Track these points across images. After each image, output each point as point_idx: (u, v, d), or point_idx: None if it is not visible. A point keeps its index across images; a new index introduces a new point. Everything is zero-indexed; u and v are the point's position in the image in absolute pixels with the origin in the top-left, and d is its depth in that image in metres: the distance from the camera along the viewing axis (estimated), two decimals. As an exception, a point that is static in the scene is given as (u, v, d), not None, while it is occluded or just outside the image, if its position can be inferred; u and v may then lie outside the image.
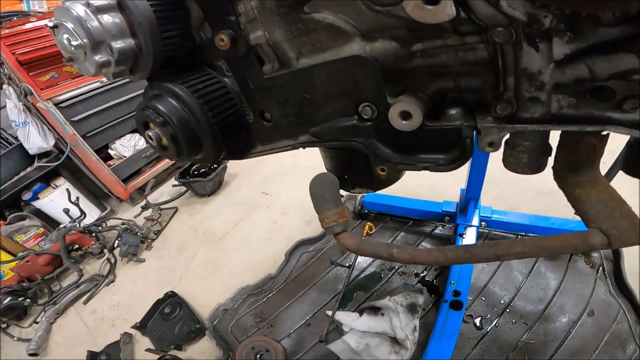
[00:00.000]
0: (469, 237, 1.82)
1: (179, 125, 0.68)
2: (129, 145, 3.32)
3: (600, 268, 1.71)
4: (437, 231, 2.12)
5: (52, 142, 2.88)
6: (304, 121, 0.71)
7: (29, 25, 2.61)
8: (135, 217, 3.14)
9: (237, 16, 0.62)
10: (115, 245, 2.81)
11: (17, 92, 2.63)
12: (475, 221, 1.88)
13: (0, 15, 2.60)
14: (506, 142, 0.60)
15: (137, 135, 3.38)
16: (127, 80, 0.78)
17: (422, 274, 1.91)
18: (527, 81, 0.48)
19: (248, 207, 2.93)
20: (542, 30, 0.44)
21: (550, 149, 0.61)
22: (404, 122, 0.58)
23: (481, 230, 1.95)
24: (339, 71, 0.60)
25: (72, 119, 2.86)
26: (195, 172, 3.33)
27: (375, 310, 1.69)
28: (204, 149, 0.74)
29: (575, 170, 0.61)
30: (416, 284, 1.86)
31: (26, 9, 2.90)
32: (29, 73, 2.61)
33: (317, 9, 0.56)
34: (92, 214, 3.27)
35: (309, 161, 3.24)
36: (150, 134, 0.71)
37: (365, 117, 0.64)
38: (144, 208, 3.20)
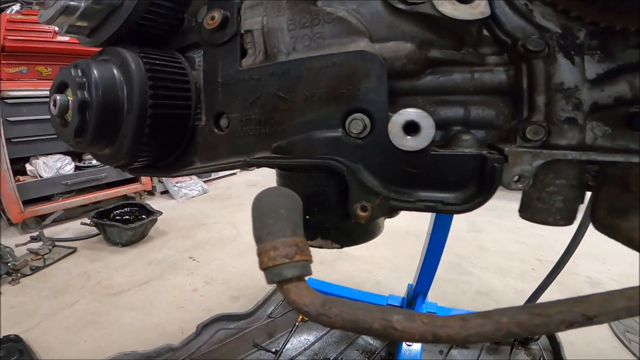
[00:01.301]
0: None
1: (102, 95, 0.54)
2: (52, 166, 2.89)
3: (541, 359, 1.63)
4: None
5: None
6: (268, 131, 0.57)
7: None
8: (17, 245, 2.48)
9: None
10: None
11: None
12: (423, 316, 1.71)
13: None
14: (532, 184, 0.47)
15: (67, 159, 2.98)
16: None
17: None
18: (563, 98, 0.43)
19: (167, 267, 2.48)
20: (576, 43, 0.42)
21: (584, 191, 0.49)
22: (408, 137, 0.46)
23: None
24: (336, 66, 0.50)
25: (7, 118, 2.58)
26: (117, 218, 2.86)
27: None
28: (118, 140, 0.59)
29: (624, 215, 0.47)
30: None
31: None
32: (2, 60, 2.48)
33: (330, 3, 0.52)
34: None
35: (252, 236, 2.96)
36: (57, 97, 0.56)
37: (354, 131, 0.50)
38: (34, 239, 2.58)
